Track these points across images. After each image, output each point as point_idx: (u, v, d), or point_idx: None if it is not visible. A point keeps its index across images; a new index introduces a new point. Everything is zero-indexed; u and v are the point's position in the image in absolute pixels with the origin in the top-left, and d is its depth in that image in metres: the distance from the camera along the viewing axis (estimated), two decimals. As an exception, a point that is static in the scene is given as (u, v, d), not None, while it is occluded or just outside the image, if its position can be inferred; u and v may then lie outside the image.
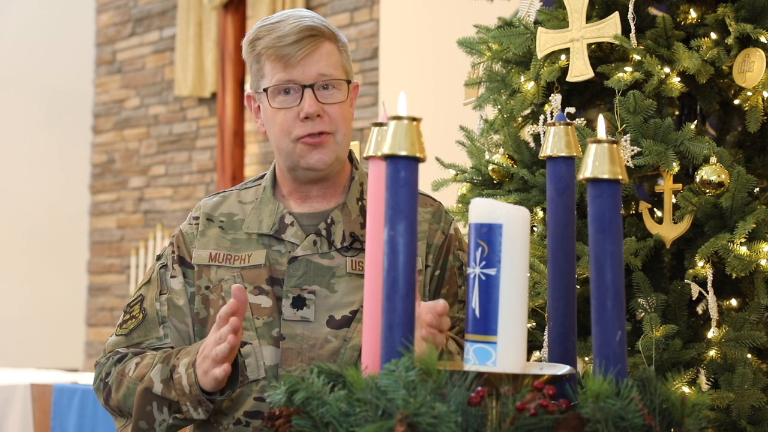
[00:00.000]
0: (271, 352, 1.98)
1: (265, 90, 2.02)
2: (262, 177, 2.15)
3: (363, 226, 2.04)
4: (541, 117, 2.66)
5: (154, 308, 2.07)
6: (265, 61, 2.02)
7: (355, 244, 2.03)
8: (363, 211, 2.06)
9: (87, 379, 4.98)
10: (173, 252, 2.10)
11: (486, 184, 2.76)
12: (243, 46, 2.08)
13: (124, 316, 2.11)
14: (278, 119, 2.01)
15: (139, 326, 2.07)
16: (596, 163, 1.35)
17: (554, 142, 1.51)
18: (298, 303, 2.00)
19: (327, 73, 2.00)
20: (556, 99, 2.61)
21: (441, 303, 1.72)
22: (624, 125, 2.46)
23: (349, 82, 2.04)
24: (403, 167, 1.32)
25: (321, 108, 1.99)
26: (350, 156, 2.13)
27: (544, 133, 2.34)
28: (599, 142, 1.36)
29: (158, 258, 2.13)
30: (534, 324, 2.55)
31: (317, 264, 2.02)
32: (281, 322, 1.99)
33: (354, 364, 1.93)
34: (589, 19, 2.55)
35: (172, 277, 2.08)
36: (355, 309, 1.99)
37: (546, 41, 2.59)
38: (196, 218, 2.12)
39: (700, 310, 2.52)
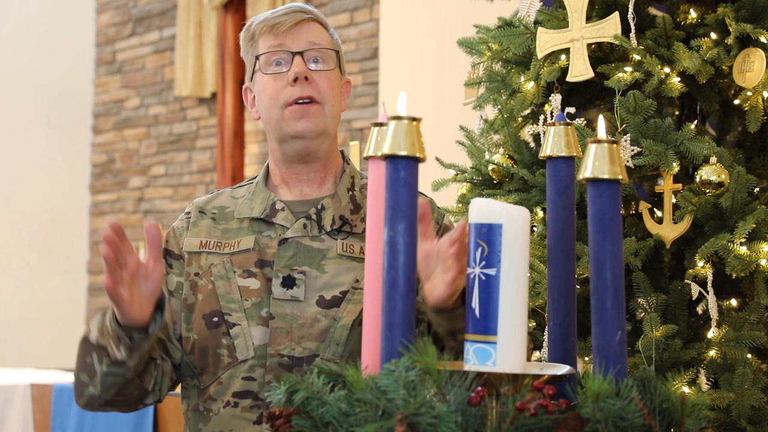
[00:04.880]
0: (260, 332, 1.99)
1: (257, 57, 2.07)
2: (255, 178, 2.18)
3: (353, 212, 2.07)
4: (541, 117, 2.66)
5: None
6: (258, 38, 2.08)
7: (344, 227, 2.06)
8: (353, 200, 2.09)
9: (87, 379, 4.96)
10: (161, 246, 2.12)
11: (486, 184, 2.76)
12: (240, 39, 2.14)
13: None
14: (269, 88, 2.05)
15: None
16: (596, 163, 1.35)
17: (554, 142, 1.51)
18: (288, 282, 2.01)
19: (317, 43, 2.06)
20: (556, 99, 2.61)
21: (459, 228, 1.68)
22: (624, 125, 2.46)
23: (337, 52, 2.10)
24: (403, 167, 1.32)
25: (309, 72, 2.04)
26: (342, 153, 2.16)
27: (544, 133, 2.34)
28: (599, 142, 1.36)
29: None
30: (534, 324, 2.55)
31: (307, 246, 2.04)
32: (271, 301, 2.00)
33: (343, 342, 1.97)
34: (589, 19, 2.55)
35: None
36: (345, 290, 2.01)
37: (546, 41, 2.59)
38: (187, 213, 2.15)
39: (700, 310, 2.52)
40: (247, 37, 2.11)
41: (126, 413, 2.19)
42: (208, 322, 2.02)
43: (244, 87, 2.15)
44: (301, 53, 2.04)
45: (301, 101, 2.03)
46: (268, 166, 2.15)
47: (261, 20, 2.09)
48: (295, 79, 2.03)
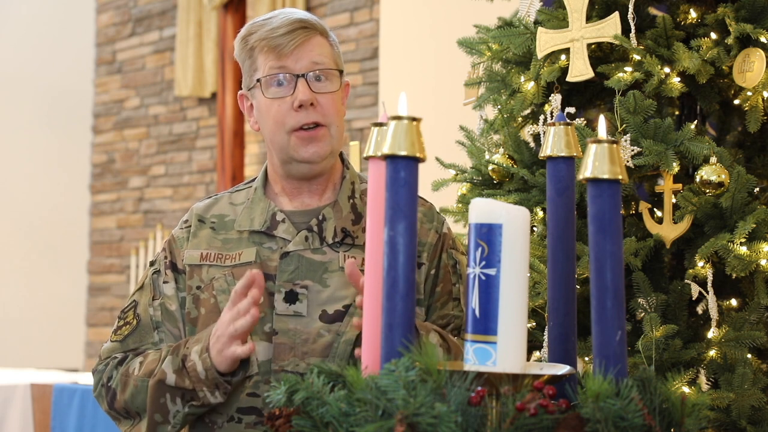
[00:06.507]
0: (264, 348, 1.98)
1: (259, 81, 2.03)
2: (253, 180, 2.16)
3: (354, 222, 2.06)
4: (541, 117, 2.66)
5: (147, 314, 2.08)
6: (258, 54, 2.04)
7: (346, 240, 2.04)
8: (354, 209, 2.07)
9: (87, 379, 4.98)
10: (165, 258, 2.11)
11: (486, 184, 2.76)
12: (235, 44, 2.09)
13: (118, 322, 2.12)
14: (272, 111, 2.02)
15: (133, 332, 2.08)
16: (596, 163, 1.35)
17: (554, 142, 1.51)
18: (291, 297, 2.00)
19: (319, 62, 2.02)
20: (556, 99, 2.61)
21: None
22: (624, 125, 2.46)
23: (341, 72, 2.06)
24: (403, 167, 1.32)
25: (314, 97, 2.00)
26: (341, 156, 2.14)
27: (544, 133, 2.34)
28: (599, 142, 1.36)
29: (151, 264, 2.14)
30: (534, 324, 2.55)
31: (309, 259, 2.02)
32: (274, 317, 1.99)
33: (347, 358, 1.96)
34: (589, 19, 2.55)
35: (164, 282, 2.09)
36: (348, 303, 2.00)
37: (546, 41, 2.59)
38: (186, 221, 2.13)
39: (700, 310, 2.52)
40: (244, 47, 2.06)
41: None
42: None
43: (239, 94, 2.12)
44: (304, 75, 2.01)
45: (307, 127, 2.01)
46: (266, 171, 2.13)
47: (261, 37, 2.03)
48: (300, 106, 2.00)
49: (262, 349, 1.98)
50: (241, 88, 2.14)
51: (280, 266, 2.02)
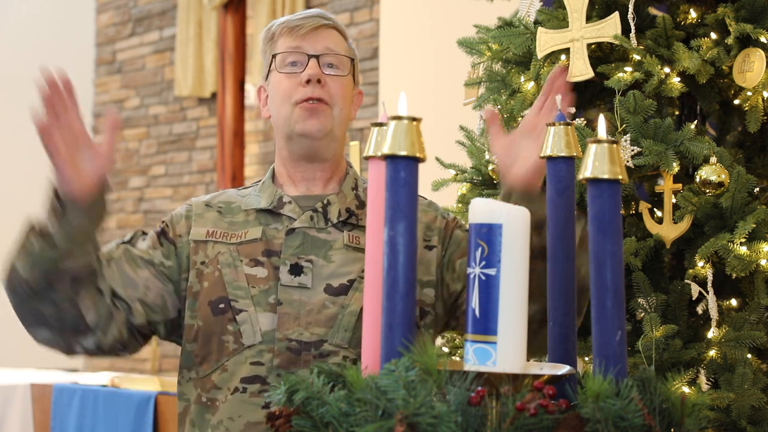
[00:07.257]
0: (268, 318, 2.01)
1: (274, 56, 2.12)
2: (259, 181, 2.22)
3: (358, 207, 2.11)
4: (541, 117, 2.66)
5: (108, 250, 2.07)
6: (278, 37, 2.14)
7: (350, 219, 2.10)
8: (358, 198, 2.14)
9: (87, 379, 4.98)
10: (157, 228, 2.13)
11: (486, 184, 2.76)
12: (260, 40, 2.19)
13: None
14: (282, 86, 2.11)
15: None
16: (596, 163, 1.35)
17: (554, 142, 1.51)
18: (296, 270, 2.03)
19: (333, 49, 2.12)
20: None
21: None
22: (624, 125, 2.46)
23: (352, 60, 2.17)
24: (403, 167, 1.33)
25: (323, 76, 2.10)
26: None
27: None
28: (599, 142, 1.36)
29: None
30: (534, 324, 2.55)
31: (314, 237, 2.07)
32: (278, 288, 2.02)
33: (351, 329, 1.99)
34: (589, 19, 2.55)
35: (143, 240, 2.10)
36: (353, 278, 2.03)
37: (546, 41, 2.59)
38: (189, 204, 2.17)
39: (700, 310, 2.52)
40: (266, 37, 2.16)
41: (65, 354, 2.17)
42: (213, 308, 2.03)
43: (258, 86, 2.21)
44: (317, 57, 2.10)
45: (312, 101, 2.08)
46: (273, 168, 2.19)
47: (282, 22, 2.15)
48: (308, 81, 2.08)
49: (265, 320, 2.01)
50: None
51: (286, 242, 2.06)
